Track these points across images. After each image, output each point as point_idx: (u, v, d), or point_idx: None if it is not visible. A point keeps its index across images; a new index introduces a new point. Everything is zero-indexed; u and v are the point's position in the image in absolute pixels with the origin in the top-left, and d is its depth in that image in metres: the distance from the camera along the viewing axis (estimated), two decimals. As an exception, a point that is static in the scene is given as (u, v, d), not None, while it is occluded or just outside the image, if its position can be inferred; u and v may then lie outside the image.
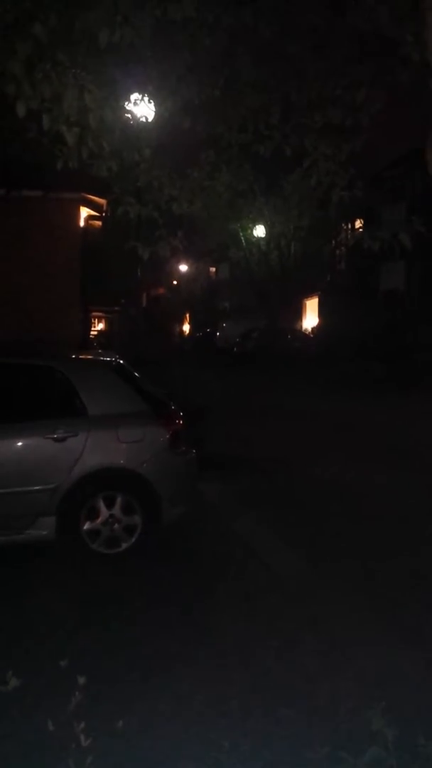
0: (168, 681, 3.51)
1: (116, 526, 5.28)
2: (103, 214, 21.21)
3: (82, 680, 2.31)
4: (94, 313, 26.10)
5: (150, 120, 6.21)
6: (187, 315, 48.53)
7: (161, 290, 44.48)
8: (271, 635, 4.05)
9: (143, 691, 3.41)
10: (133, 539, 5.31)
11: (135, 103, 5.81)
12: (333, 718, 3.16)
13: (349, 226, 28.54)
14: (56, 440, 5.18)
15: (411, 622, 4.17)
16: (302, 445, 10.17)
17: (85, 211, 20.17)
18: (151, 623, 4.23)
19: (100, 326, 28.35)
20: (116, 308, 26.65)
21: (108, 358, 6.18)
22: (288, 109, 5.70)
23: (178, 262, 41.46)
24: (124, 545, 5.30)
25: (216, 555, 5.55)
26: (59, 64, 4.14)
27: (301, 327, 36.35)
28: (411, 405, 13.97)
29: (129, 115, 5.70)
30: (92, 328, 26.49)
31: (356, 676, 3.55)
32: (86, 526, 5.23)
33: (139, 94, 5.70)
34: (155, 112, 6.02)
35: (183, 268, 44.24)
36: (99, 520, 5.25)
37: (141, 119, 6.19)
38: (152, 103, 5.90)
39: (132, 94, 5.72)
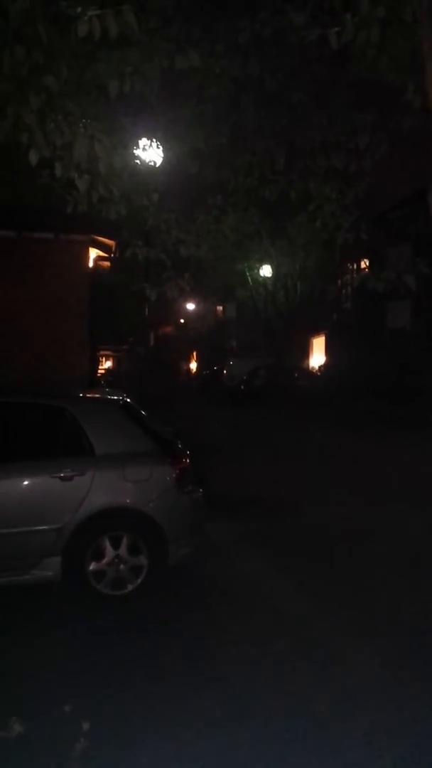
0: (172, 727, 3.44)
1: (122, 566, 5.23)
2: (112, 255, 21.56)
3: (85, 725, 2.28)
4: (102, 352, 26.31)
5: (158, 165, 6.37)
6: (195, 353, 48.79)
7: (169, 329, 44.82)
8: (278, 681, 3.97)
9: (146, 737, 3.34)
10: (139, 580, 5.25)
11: (144, 149, 5.98)
12: (343, 765, 3.09)
13: (355, 266, 28.83)
14: (63, 479, 5.17)
15: (422, 668, 4.09)
16: (310, 485, 10.10)
17: (94, 252, 20.50)
18: (155, 667, 4.17)
19: (108, 365, 28.55)
20: (124, 347, 26.86)
21: (115, 397, 6.21)
22: (293, 155, 5.85)
23: (186, 301, 41.93)
24: (130, 587, 5.24)
25: (222, 597, 5.48)
26: (70, 114, 4.28)
27: (308, 365, 36.42)
28: (418, 445, 13.90)
29: (138, 161, 5.85)
30: (100, 367, 26.66)
31: (365, 726, 3.47)
32: (92, 567, 5.19)
33: (148, 139, 5.87)
34: (163, 157, 6.18)
35: (190, 306, 44.71)
36: (105, 561, 5.21)
37: (149, 164, 6.35)
38: (161, 149, 6.06)
39: (141, 139, 5.89)
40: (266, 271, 29.06)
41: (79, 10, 3.56)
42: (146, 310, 16.53)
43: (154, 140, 6.01)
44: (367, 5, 4.11)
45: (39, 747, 2.98)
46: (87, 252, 19.56)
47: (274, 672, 4.10)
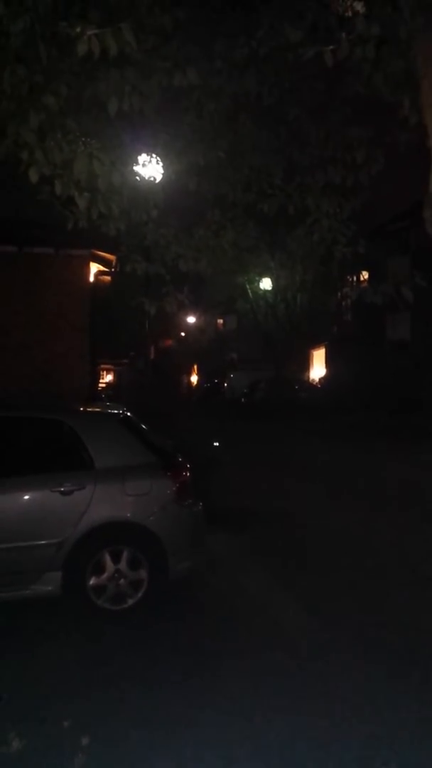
0: (171, 743, 3.43)
1: (122, 581, 5.22)
2: (112, 269, 21.64)
3: (84, 739, 2.28)
4: (103, 366, 26.35)
5: (157, 181, 6.43)
6: (195, 366, 48.85)
7: (169, 342, 44.93)
8: (277, 694, 3.96)
9: (146, 753, 3.32)
10: (139, 595, 5.24)
11: (143, 165, 6.03)
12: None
13: (354, 278, 28.95)
14: (63, 494, 5.17)
15: (423, 680, 4.07)
16: (310, 497, 10.09)
17: (94, 267, 20.57)
18: (155, 681, 4.15)
19: (109, 378, 28.59)
20: (124, 360, 26.91)
21: (115, 411, 6.23)
22: (290, 170, 5.90)
23: (186, 314, 42.03)
24: (130, 601, 5.23)
25: (223, 610, 5.46)
26: (70, 132, 4.33)
27: (309, 377, 36.47)
28: (419, 457, 13.88)
29: (137, 177, 5.90)
30: (100, 380, 26.70)
31: (366, 737, 3.46)
32: (92, 582, 5.17)
33: (147, 155, 5.93)
34: (163, 173, 6.24)
35: (191, 319, 44.81)
36: (105, 576, 5.20)
37: (149, 179, 6.41)
38: (160, 164, 6.12)
39: (140, 155, 5.95)
40: (266, 284, 29.18)
41: (78, 29, 3.61)
42: (147, 323, 16.61)
43: (153, 156, 6.06)
44: (363, 23, 4.17)
45: (38, 762, 2.97)
46: (87, 266, 19.63)
47: (272, 684, 4.08)
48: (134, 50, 4.03)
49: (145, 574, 5.25)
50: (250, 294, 29.96)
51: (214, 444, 11.26)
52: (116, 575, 5.20)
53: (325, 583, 6.05)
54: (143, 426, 6.13)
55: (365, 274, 27.82)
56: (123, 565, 5.23)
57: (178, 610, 5.36)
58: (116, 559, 5.23)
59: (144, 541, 5.29)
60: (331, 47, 4.11)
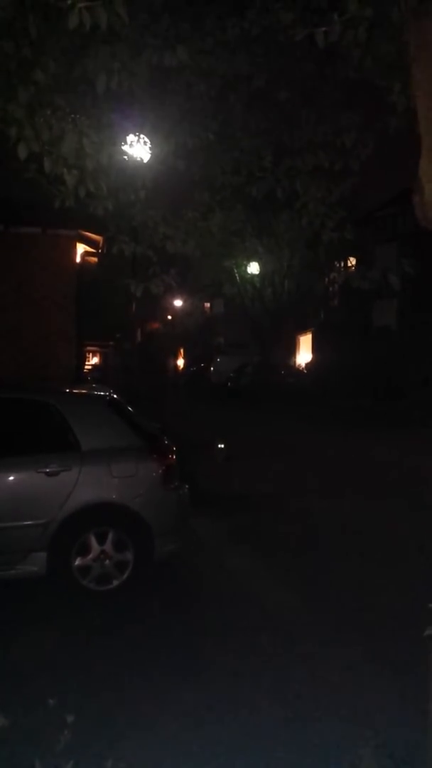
0: (157, 720, 3.47)
1: (107, 562, 5.25)
2: (99, 251, 21.47)
3: (70, 719, 2.30)
4: (89, 348, 26.22)
5: (146, 161, 6.36)
6: (182, 350, 48.76)
7: (156, 325, 44.76)
8: (262, 674, 4.01)
9: (131, 731, 3.36)
10: (125, 576, 5.27)
11: (131, 145, 5.96)
12: (325, 757, 3.13)
13: (342, 264, 28.97)
14: (48, 475, 5.18)
15: (403, 658, 4.14)
16: (295, 481, 10.16)
17: (81, 248, 20.41)
18: (140, 661, 4.19)
19: (95, 360, 28.48)
20: (111, 343, 26.78)
21: (102, 393, 6.22)
22: (280, 153, 5.85)
23: (173, 297, 41.87)
24: (115, 582, 5.26)
25: (207, 592, 5.51)
26: (59, 109, 4.27)
27: (295, 363, 36.56)
28: (402, 442, 14.02)
29: (125, 157, 5.84)
30: (86, 363, 26.58)
31: (348, 716, 3.52)
32: (77, 562, 5.20)
33: (135, 135, 5.85)
34: (151, 153, 6.17)
35: (178, 303, 44.65)
36: (90, 556, 5.22)
37: (137, 159, 6.33)
38: (148, 145, 6.05)
39: (128, 135, 5.87)
40: (253, 268, 29.14)
41: (69, 1, 3.55)
42: (133, 306, 16.51)
43: (141, 136, 5.99)
44: (355, 4, 4.13)
45: (23, 740, 2.99)
46: (74, 247, 19.47)
47: (257, 666, 4.13)
48: (125, 26, 3.96)
49: (131, 555, 5.28)
50: (238, 278, 29.90)
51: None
52: (101, 556, 5.23)
53: (311, 565, 6.12)
54: (129, 408, 6.13)
55: (353, 260, 27.85)
56: (108, 546, 5.25)
57: (163, 591, 5.40)
58: (102, 540, 5.25)
59: (129, 522, 5.32)
60: (323, 29, 4.07)
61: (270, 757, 3.15)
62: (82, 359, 24.43)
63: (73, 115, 4.39)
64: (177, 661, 4.20)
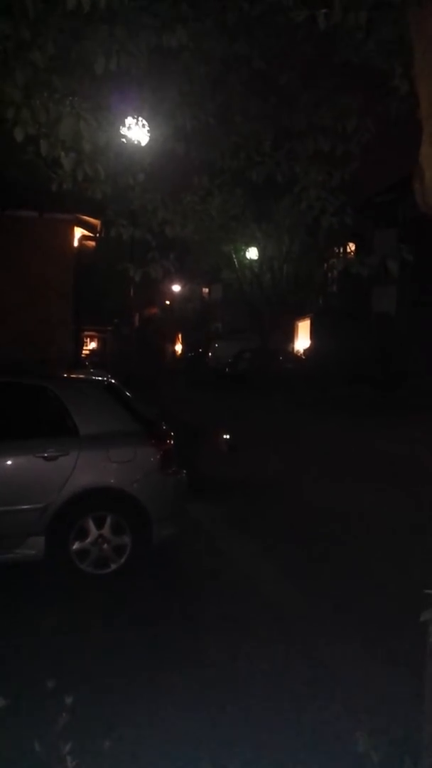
0: (155, 704, 3.50)
1: (105, 546, 5.28)
2: (97, 235, 21.36)
3: (68, 701, 2.32)
4: (87, 333, 26.16)
5: (144, 144, 6.30)
6: (180, 335, 48.69)
7: (154, 310, 44.65)
8: (260, 660, 4.04)
9: (130, 713, 3.40)
10: (122, 560, 5.30)
11: (129, 128, 5.90)
12: (321, 741, 3.17)
13: (341, 250, 28.84)
14: (47, 459, 5.19)
15: (399, 647, 4.18)
16: (293, 467, 10.19)
17: (79, 232, 20.31)
18: (138, 645, 4.22)
19: (93, 345, 28.41)
20: (109, 327, 26.72)
21: (100, 378, 6.22)
22: (280, 137, 5.80)
23: (172, 282, 41.73)
24: (113, 566, 5.29)
25: (205, 577, 5.54)
26: (56, 91, 4.22)
27: (293, 349, 36.53)
28: (401, 429, 14.04)
29: (124, 140, 5.78)
30: (84, 348, 26.53)
31: (344, 701, 3.56)
32: (75, 546, 5.23)
33: (134, 118, 5.79)
34: (149, 136, 6.11)
35: (176, 288, 44.52)
36: (88, 540, 5.25)
37: (135, 142, 6.28)
38: (146, 128, 5.99)
39: (127, 118, 5.81)
40: (252, 253, 28.99)
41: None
42: (131, 290, 16.45)
43: (139, 119, 5.93)
44: (357, -15, 4.08)
45: (22, 721, 3.02)
46: (72, 231, 19.39)
47: (254, 652, 4.17)
48: (124, 6, 3.91)
49: (128, 539, 5.31)
50: (236, 264, 29.75)
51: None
52: (99, 540, 5.25)
53: (308, 552, 6.15)
54: (127, 393, 6.13)
55: (352, 246, 27.73)
56: (106, 530, 5.28)
57: (160, 576, 5.43)
58: (100, 525, 5.28)
59: (127, 507, 5.34)
60: (324, 10, 4.02)
61: (265, 740, 3.18)
62: (80, 344, 24.39)
63: (70, 98, 4.35)
64: (175, 645, 4.23)
